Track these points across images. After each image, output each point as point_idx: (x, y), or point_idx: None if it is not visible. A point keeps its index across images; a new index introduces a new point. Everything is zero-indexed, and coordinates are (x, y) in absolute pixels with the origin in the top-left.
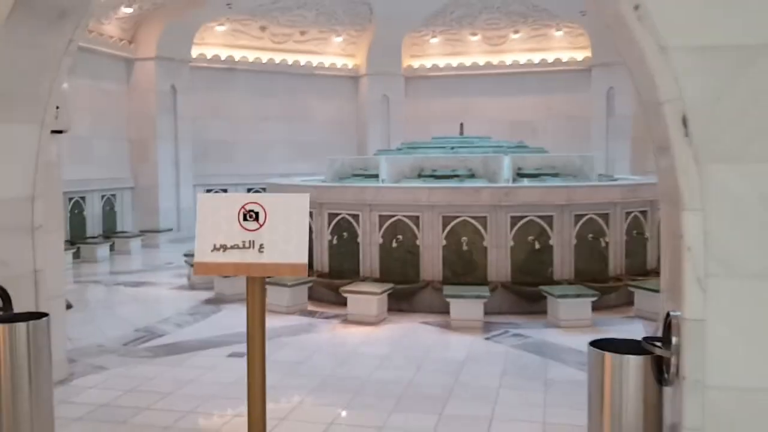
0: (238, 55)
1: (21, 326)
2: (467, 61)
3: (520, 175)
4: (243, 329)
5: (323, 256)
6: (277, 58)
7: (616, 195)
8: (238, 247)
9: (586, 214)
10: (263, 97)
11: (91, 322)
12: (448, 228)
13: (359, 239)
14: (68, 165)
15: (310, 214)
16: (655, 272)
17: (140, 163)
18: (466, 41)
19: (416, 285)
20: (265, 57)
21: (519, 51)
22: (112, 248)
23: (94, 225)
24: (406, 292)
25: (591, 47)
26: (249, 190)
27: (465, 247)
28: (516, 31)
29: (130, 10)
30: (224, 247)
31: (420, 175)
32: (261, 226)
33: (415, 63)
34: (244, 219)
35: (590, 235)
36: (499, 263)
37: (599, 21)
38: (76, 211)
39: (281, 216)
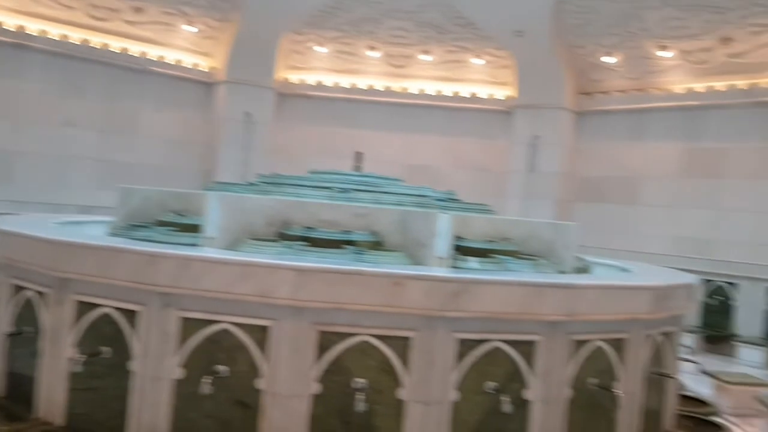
0: (33, 26)
1: None
2: (362, 82)
3: (457, 249)
4: None
5: (55, 391)
6: (96, 40)
7: (642, 304)
8: None
9: (590, 340)
10: (70, 92)
11: None
12: (328, 356)
13: (132, 365)
14: None
15: (41, 295)
16: None
17: None
18: (362, 56)
19: None
20: (76, 35)
21: (427, 78)
22: None
23: None
24: None
25: (517, 84)
26: None
27: (357, 402)
28: (425, 52)
29: None
30: None
31: (283, 236)
32: None
33: (293, 76)
34: None
35: (593, 381)
36: None
37: (533, 48)
38: None
39: None
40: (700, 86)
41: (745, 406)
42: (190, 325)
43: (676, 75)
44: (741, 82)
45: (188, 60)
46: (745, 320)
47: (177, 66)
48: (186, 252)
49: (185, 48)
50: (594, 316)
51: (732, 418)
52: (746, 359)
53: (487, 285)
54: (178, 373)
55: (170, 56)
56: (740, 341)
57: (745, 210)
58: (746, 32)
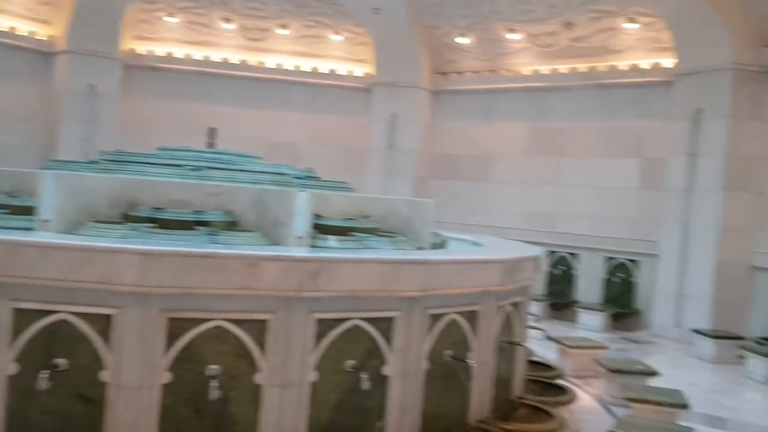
0: None
1: None
2: (216, 55)
3: (316, 227)
4: None
5: None
6: None
7: (493, 277)
8: None
9: (445, 314)
10: None
11: None
12: (180, 344)
13: None
14: None
15: None
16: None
17: None
18: (216, 29)
19: None
20: None
21: (285, 53)
22: None
23: None
24: None
25: (375, 62)
26: None
27: (211, 390)
28: (283, 26)
29: None
30: None
31: (129, 218)
32: None
33: (141, 47)
34: None
35: (448, 353)
36: (284, 420)
37: (391, 26)
38: None
39: None
40: (545, 68)
41: (585, 368)
42: (23, 317)
43: (524, 57)
44: (581, 65)
45: (24, 27)
46: (585, 288)
47: (10, 34)
48: (18, 236)
49: (20, 14)
50: (449, 290)
51: (574, 380)
52: (586, 324)
53: (345, 263)
54: (12, 368)
55: (3, 23)
56: (581, 307)
57: (585, 185)
58: (586, 18)
